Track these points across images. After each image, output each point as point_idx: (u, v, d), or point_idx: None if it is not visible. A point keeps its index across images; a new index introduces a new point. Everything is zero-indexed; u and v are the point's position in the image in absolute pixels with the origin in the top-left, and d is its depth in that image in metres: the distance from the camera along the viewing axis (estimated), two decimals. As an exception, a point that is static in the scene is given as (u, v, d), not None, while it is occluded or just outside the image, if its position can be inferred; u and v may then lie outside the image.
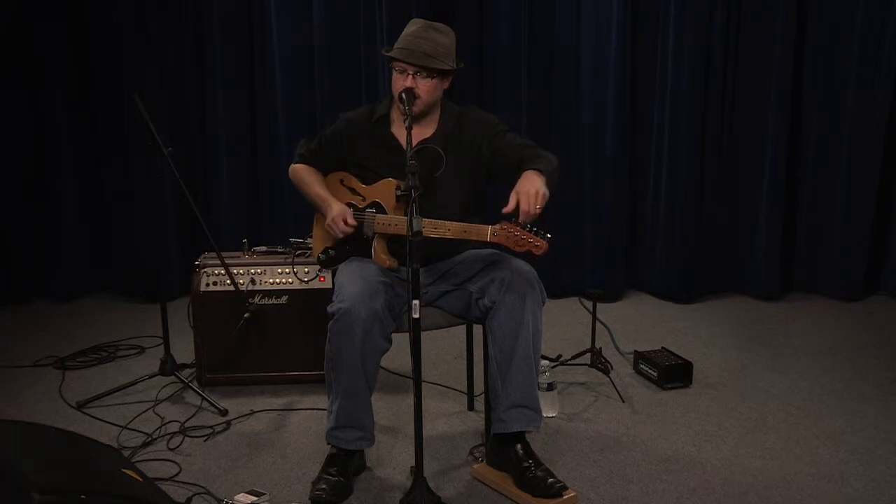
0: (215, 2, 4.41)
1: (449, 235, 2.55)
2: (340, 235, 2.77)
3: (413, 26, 2.71)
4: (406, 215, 2.52)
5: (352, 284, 2.58)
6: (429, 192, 2.58)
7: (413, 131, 2.56)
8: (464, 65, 2.77)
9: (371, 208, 2.77)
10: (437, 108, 2.78)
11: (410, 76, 2.65)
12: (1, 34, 4.33)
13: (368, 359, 2.55)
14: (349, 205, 2.80)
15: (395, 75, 2.69)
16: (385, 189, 2.74)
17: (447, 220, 2.57)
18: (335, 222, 2.75)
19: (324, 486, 2.55)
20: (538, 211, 2.41)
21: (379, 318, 2.52)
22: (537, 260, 2.53)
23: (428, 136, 2.75)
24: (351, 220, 2.74)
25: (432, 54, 2.64)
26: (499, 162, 2.72)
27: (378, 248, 2.74)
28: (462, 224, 2.56)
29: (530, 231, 2.45)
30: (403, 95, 2.62)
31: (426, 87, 2.66)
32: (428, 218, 2.50)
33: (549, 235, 2.46)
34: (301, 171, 2.93)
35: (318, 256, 2.92)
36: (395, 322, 2.63)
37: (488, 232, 2.50)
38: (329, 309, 2.56)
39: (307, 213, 3.00)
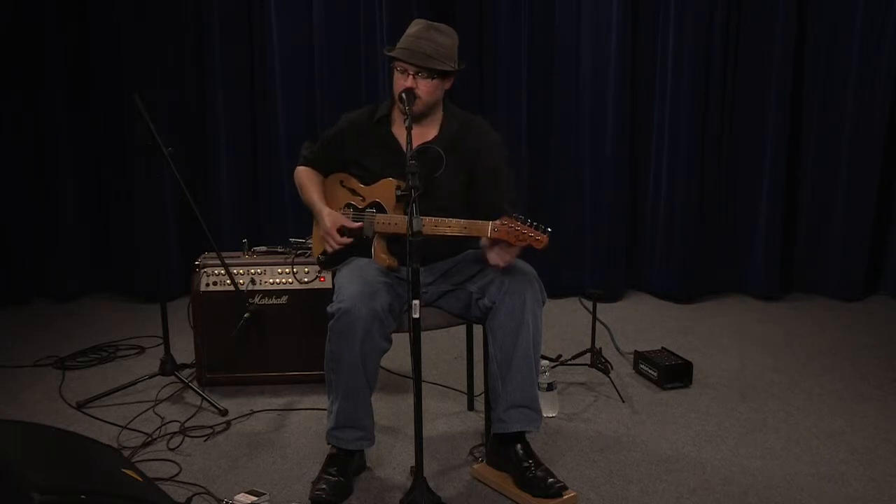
0: (215, 2, 4.41)
1: (450, 232, 2.55)
2: (333, 248, 2.76)
3: (415, 27, 2.72)
4: (405, 214, 2.53)
5: (351, 284, 2.58)
6: (429, 192, 2.58)
7: (415, 132, 2.56)
8: (465, 66, 2.77)
9: (371, 208, 2.77)
10: (438, 110, 2.79)
11: (411, 76, 2.65)
12: (1, 34, 4.33)
13: (368, 359, 2.55)
14: (349, 205, 2.81)
15: (395, 75, 2.69)
16: (384, 189, 2.74)
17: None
18: (330, 236, 2.75)
19: (324, 486, 2.55)
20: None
21: (379, 318, 2.52)
22: (539, 255, 2.53)
23: (430, 138, 2.76)
24: (343, 237, 2.74)
25: (433, 55, 2.64)
26: (473, 189, 2.77)
27: (378, 247, 2.74)
28: (462, 221, 2.55)
29: (530, 225, 2.45)
30: (403, 95, 2.63)
31: (426, 88, 2.67)
32: (428, 216, 2.50)
33: (549, 229, 2.45)
34: (302, 175, 2.94)
35: (318, 257, 2.92)
36: (395, 322, 2.62)
37: (489, 228, 2.50)
38: (329, 309, 2.56)
39: (307, 212, 2.99)
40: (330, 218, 2.76)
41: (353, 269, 2.71)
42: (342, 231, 2.74)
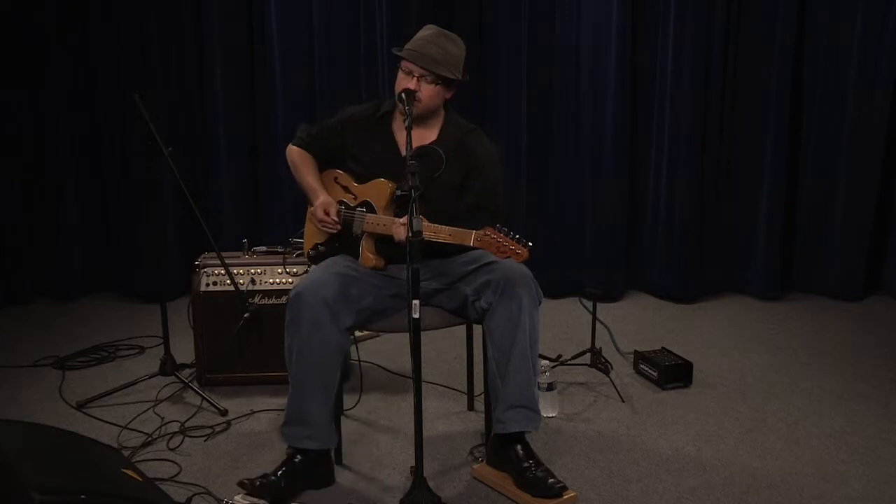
0: (215, 2, 4.41)
1: (435, 238, 2.54)
2: (319, 226, 2.80)
3: (427, 31, 2.75)
4: (395, 216, 2.62)
5: (313, 274, 2.62)
6: (423, 194, 2.57)
7: (415, 134, 2.58)
8: (469, 78, 2.79)
9: (361, 207, 2.78)
10: (439, 116, 2.81)
11: (415, 78, 2.67)
12: (2, 34, 4.33)
13: (319, 350, 2.53)
14: (340, 202, 2.83)
15: (400, 75, 2.72)
16: (376, 189, 2.76)
17: (437, 223, 2.55)
18: (316, 210, 2.78)
19: (258, 479, 2.52)
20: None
21: (328, 306, 2.52)
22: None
23: (428, 141, 2.78)
24: (333, 213, 2.76)
25: (441, 61, 2.68)
26: (466, 193, 2.78)
27: (365, 246, 2.75)
28: (448, 228, 2.55)
29: (513, 238, 2.46)
30: (403, 95, 2.64)
31: (428, 92, 2.70)
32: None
33: (530, 244, 2.47)
34: (297, 156, 2.94)
35: (308, 253, 2.94)
36: (354, 316, 2.61)
37: (472, 237, 2.51)
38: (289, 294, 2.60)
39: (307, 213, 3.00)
40: (325, 198, 2.80)
41: (325, 263, 2.74)
42: (328, 212, 2.77)
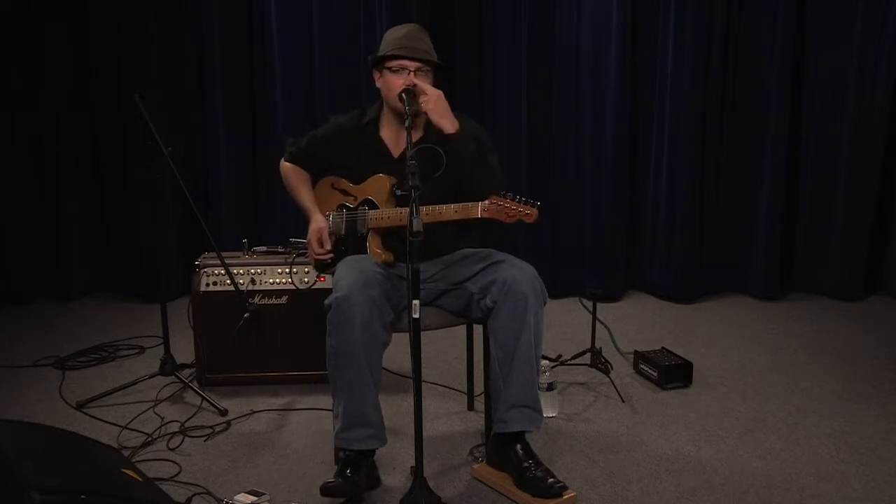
0: (215, 1, 4.41)
1: (443, 218, 2.55)
2: (313, 256, 2.87)
3: (404, 28, 2.76)
4: (397, 207, 2.64)
5: (348, 276, 2.59)
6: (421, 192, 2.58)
7: (401, 135, 2.58)
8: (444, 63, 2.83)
9: (363, 206, 2.79)
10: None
11: (411, 75, 2.67)
12: (1, 33, 4.33)
13: (370, 350, 2.53)
14: (342, 206, 2.84)
15: (389, 77, 2.71)
16: (375, 185, 2.78)
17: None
18: (309, 243, 2.86)
19: (336, 480, 2.51)
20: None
21: (377, 305, 2.52)
22: (530, 226, 2.55)
23: (415, 139, 2.76)
24: (327, 244, 2.83)
25: (431, 52, 2.72)
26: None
27: (373, 243, 2.76)
28: (454, 205, 2.56)
29: (519, 201, 2.46)
30: (404, 95, 2.64)
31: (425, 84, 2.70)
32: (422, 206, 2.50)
33: (538, 203, 2.47)
34: (290, 172, 3.00)
35: (315, 261, 2.94)
36: (393, 312, 2.62)
37: (479, 208, 2.51)
38: (326, 301, 2.56)
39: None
40: (314, 224, 2.86)
41: (348, 262, 2.73)
42: (321, 242, 2.84)
